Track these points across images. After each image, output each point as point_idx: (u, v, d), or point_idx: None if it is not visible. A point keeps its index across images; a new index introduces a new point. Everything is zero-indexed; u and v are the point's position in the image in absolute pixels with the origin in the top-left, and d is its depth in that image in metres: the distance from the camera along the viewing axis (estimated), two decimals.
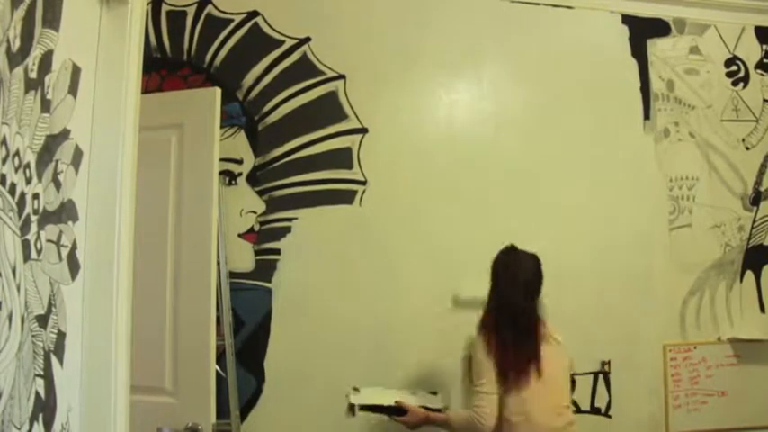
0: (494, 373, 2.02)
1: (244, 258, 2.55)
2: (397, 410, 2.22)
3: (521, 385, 2.02)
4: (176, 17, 2.62)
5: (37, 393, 1.05)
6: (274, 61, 2.65)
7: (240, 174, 2.59)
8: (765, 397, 2.84)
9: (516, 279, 2.14)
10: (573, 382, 2.27)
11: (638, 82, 2.94)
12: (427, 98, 2.77)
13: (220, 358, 2.32)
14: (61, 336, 1.16)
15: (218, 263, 2.28)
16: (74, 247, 1.23)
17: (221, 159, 2.38)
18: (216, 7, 2.64)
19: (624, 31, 2.95)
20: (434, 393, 2.43)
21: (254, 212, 2.58)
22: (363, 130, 2.68)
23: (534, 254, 2.20)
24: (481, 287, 2.67)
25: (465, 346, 2.20)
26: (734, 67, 3.05)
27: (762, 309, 2.95)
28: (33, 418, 1.04)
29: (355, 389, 2.33)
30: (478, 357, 2.07)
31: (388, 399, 2.27)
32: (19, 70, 0.99)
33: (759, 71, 3.07)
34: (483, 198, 2.73)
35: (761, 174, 3.01)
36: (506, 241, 2.70)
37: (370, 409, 2.29)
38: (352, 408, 2.27)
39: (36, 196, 1.06)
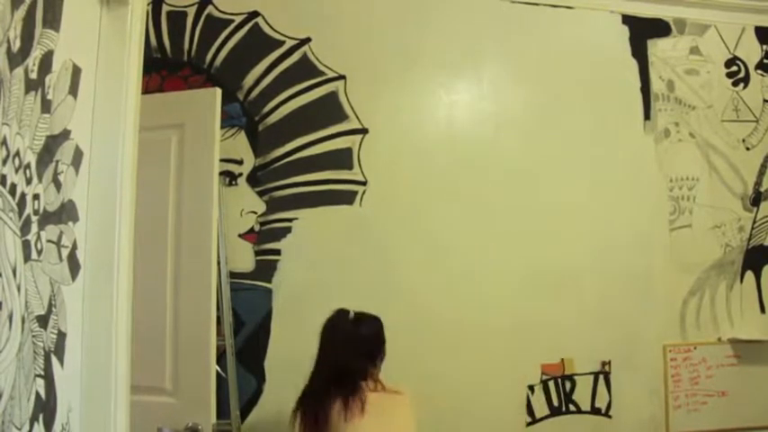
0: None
1: (244, 258, 2.55)
2: None
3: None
4: (176, 17, 2.62)
5: (37, 394, 1.06)
6: (275, 62, 2.65)
7: (240, 174, 2.59)
8: (765, 397, 2.84)
9: (335, 347, 1.97)
10: None
11: (638, 82, 2.93)
12: (427, 98, 2.77)
13: (220, 358, 2.32)
14: (61, 336, 1.16)
15: (219, 263, 2.28)
16: (74, 247, 1.23)
17: (221, 160, 2.38)
18: (216, 8, 2.64)
19: (624, 31, 2.95)
20: None
21: (255, 213, 2.58)
22: (364, 131, 2.68)
23: (372, 316, 2.05)
24: (481, 286, 2.68)
25: None
26: (734, 68, 3.05)
27: (762, 309, 2.95)
28: (34, 419, 1.04)
29: None
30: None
31: None
32: (19, 71, 0.99)
33: (759, 71, 3.07)
34: (483, 198, 2.73)
35: (761, 174, 3.01)
36: (506, 241, 2.72)
37: None
38: None
39: (36, 197, 1.06)
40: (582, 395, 2.73)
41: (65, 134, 1.18)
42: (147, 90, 2.36)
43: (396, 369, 2.54)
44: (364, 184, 2.65)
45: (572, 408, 2.72)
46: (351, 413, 1.84)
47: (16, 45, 0.97)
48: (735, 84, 3.04)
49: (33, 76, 1.04)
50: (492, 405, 2.62)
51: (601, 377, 2.76)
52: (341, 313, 2.03)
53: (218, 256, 2.26)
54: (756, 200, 3.00)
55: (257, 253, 2.56)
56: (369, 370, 1.97)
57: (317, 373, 1.98)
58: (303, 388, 1.98)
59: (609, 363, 2.76)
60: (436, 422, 2.45)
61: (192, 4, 2.63)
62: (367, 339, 2.00)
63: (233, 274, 2.50)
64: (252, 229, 2.57)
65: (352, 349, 1.97)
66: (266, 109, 2.63)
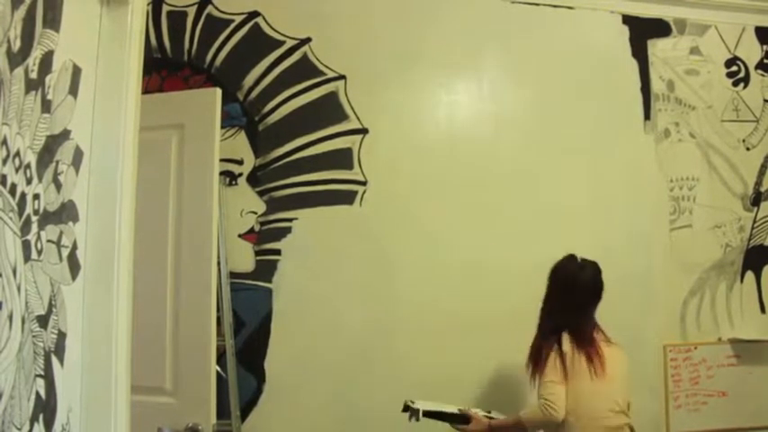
0: (561, 371, 2.10)
1: (244, 259, 2.55)
2: (460, 418, 2.22)
3: (583, 385, 2.09)
4: (177, 17, 2.62)
5: (37, 394, 1.05)
6: (275, 61, 2.65)
7: (240, 174, 2.59)
8: (765, 397, 2.84)
9: (575, 288, 2.22)
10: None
11: (638, 82, 2.93)
12: (427, 98, 2.77)
13: (221, 358, 2.32)
14: (62, 336, 1.16)
15: (219, 263, 2.28)
16: (74, 247, 1.23)
17: (222, 160, 2.38)
18: (216, 8, 2.64)
19: (624, 31, 2.95)
20: (489, 413, 2.36)
21: (255, 213, 2.58)
22: (364, 131, 2.68)
23: (594, 262, 2.27)
24: (481, 286, 2.68)
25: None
26: (734, 68, 3.05)
27: (762, 309, 2.95)
28: (34, 419, 1.04)
29: (411, 401, 2.24)
30: (548, 357, 2.13)
31: (448, 408, 2.26)
32: (19, 71, 0.99)
33: (759, 71, 3.07)
34: (483, 198, 2.73)
35: (761, 174, 3.01)
36: (506, 241, 2.72)
37: (434, 415, 2.22)
38: (415, 412, 2.18)
39: (36, 197, 1.06)
40: None
41: (65, 134, 1.18)
42: (147, 90, 2.36)
43: (395, 367, 2.54)
44: (364, 184, 2.65)
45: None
46: (596, 372, 2.10)
47: (16, 45, 0.97)
48: (735, 84, 3.04)
49: (33, 76, 1.04)
50: (491, 404, 2.62)
51: None
52: (571, 258, 2.28)
53: (218, 256, 2.26)
54: (756, 200, 3.00)
55: (257, 253, 2.56)
56: (594, 316, 2.23)
57: (551, 317, 2.23)
58: (540, 329, 2.23)
59: None
60: None
61: (192, 4, 2.63)
62: (594, 281, 2.24)
63: (233, 274, 2.50)
64: (252, 229, 2.57)
65: (581, 292, 2.22)
66: (266, 109, 2.63)
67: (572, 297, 2.21)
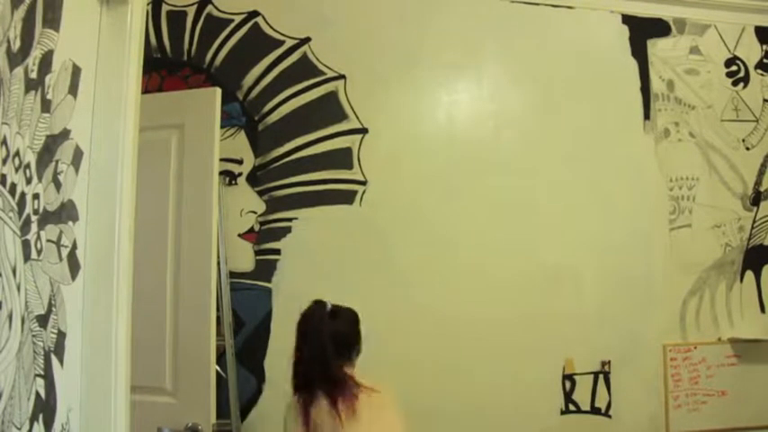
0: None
1: (244, 258, 2.55)
2: None
3: None
4: (176, 17, 2.62)
5: (37, 393, 1.05)
6: (274, 61, 2.65)
7: (240, 174, 2.59)
8: (765, 397, 2.84)
9: (315, 342, 1.94)
10: None
11: (638, 82, 2.93)
12: (427, 98, 2.77)
13: (220, 358, 2.32)
14: (61, 336, 1.16)
15: (219, 263, 2.28)
16: (74, 247, 1.23)
17: (221, 159, 2.38)
18: (216, 7, 2.64)
19: (624, 31, 2.94)
20: None
21: (255, 212, 2.58)
22: (363, 130, 2.68)
23: (347, 310, 2.02)
24: (480, 286, 2.68)
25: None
26: (734, 67, 3.05)
27: (762, 309, 2.95)
28: (33, 419, 1.04)
29: None
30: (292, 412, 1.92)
31: None
32: (19, 70, 0.99)
33: (759, 71, 3.07)
34: (483, 198, 2.73)
35: (761, 174, 3.01)
36: (506, 241, 2.73)
37: None
38: None
39: (36, 196, 1.06)
40: (582, 395, 2.73)
41: (65, 134, 1.18)
42: (146, 90, 2.37)
43: (394, 367, 2.54)
44: (364, 183, 2.65)
45: (572, 407, 2.72)
46: (343, 416, 1.81)
47: (16, 45, 0.97)
48: (735, 83, 3.04)
49: (33, 75, 1.04)
50: (491, 404, 2.62)
51: (601, 377, 2.76)
52: (318, 306, 2.00)
53: (218, 256, 2.26)
54: (756, 199, 3.00)
55: (257, 253, 2.56)
56: (348, 369, 1.95)
57: (303, 373, 1.95)
58: (293, 383, 1.96)
59: (609, 363, 2.76)
60: (435, 417, 2.46)
61: (192, 4, 2.63)
62: (345, 335, 1.98)
63: (233, 274, 2.50)
64: (252, 229, 2.57)
65: (332, 345, 1.93)
66: (266, 109, 2.63)
67: (311, 349, 1.94)
